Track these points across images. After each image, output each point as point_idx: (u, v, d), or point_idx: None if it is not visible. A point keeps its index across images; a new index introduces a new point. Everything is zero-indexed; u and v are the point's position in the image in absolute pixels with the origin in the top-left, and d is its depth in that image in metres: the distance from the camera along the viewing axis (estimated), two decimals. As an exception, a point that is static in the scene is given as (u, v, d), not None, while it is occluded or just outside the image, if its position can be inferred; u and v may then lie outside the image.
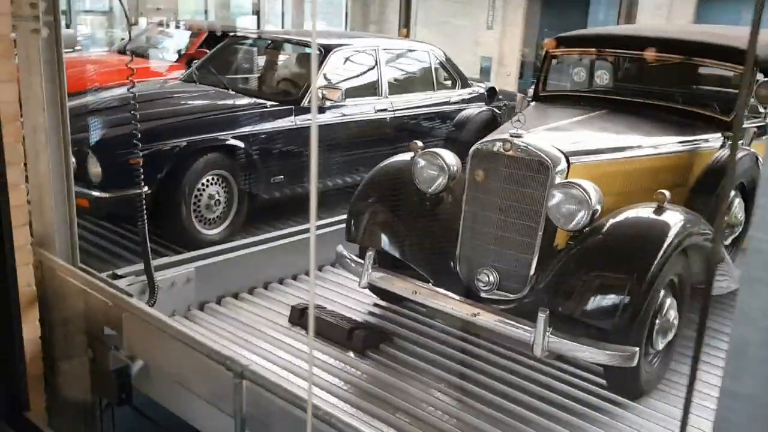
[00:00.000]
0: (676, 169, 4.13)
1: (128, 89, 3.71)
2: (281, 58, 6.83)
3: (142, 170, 3.84)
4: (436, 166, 3.95)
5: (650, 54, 4.71)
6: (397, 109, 6.49)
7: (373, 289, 4.35)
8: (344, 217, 5.35)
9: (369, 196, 4.18)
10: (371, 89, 6.38)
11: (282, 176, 5.57)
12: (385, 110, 6.37)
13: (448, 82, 7.27)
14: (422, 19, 23.96)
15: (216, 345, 2.87)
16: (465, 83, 7.38)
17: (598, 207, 3.40)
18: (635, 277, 3.20)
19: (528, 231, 3.57)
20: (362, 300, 4.54)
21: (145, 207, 3.90)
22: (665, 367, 3.68)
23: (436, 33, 23.04)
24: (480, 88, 7.67)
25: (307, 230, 5.04)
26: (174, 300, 4.11)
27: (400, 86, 6.69)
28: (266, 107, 5.53)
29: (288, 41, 6.82)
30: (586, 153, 3.74)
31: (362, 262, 4.01)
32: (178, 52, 9.74)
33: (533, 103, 5.12)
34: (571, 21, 21.48)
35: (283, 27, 21.07)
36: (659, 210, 3.42)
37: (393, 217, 4.04)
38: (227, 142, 5.13)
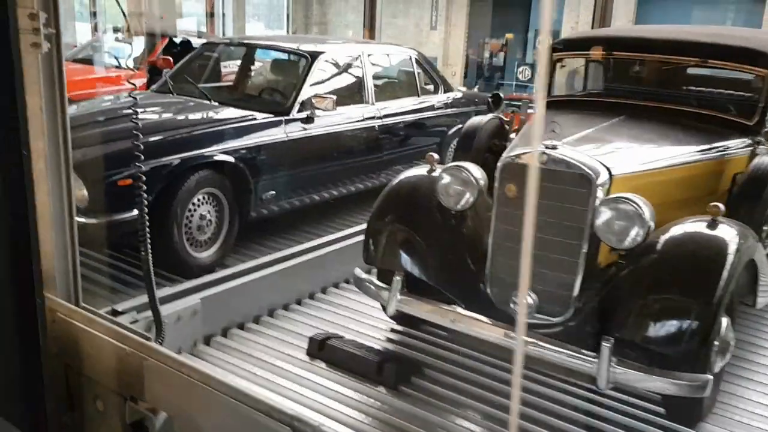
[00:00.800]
0: (707, 177, 3.96)
1: (131, 107, 3.34)
2: (263, 66, 6.46)
3: (139, 191, 3.46)
4: (462, 180, 3.68)
5: (666, 57, 4.54)
6: (385, 116, 6.21)
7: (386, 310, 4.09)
8: (347, 232, 5.11)
9: (386, 215, 3.89)
10: (358, 96, 6.09)
11: (273, 192, 5.24)
12: (372, 118, 6.09)
13: (430, 87, 7.03)
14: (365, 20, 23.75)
15: (273, 399, 2.53)
16: (447, 87, 7.15)
17: (652, 223, 3.18)
18: (702, 299, 2.98)
19: (570, 249, 3.33)
20: (378, 325, 4.25)
21: (148, 233, 3.51)
22: (717, 389, 3.49)
23: (379, 34, 22.84)
24: (459, 93, 7.44)
25: (307, 251, 4.72)
26: (180, 336, 3.75)
27: (385, 92, 6.42)
28: (256, 119, 5.18)
29: (269, 48, 6.46)
30: (625, 164, 3.52)
31: (384, 286, 3.73)
32: (135, 59, 9.26)
33: (539, 110, 4.88)
34: (514, 21, 21.64)
35: (223, 30, 20.54)
36: (714, 224, 3.22)
37: (414, 236, 3.76)
38: (219, 158, 4.77)
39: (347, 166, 5.91)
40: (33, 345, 2.25)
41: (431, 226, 3.76)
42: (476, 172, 3.69)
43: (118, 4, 3.19)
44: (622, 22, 18.93)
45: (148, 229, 3.50)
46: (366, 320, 4.32)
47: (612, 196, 3.25)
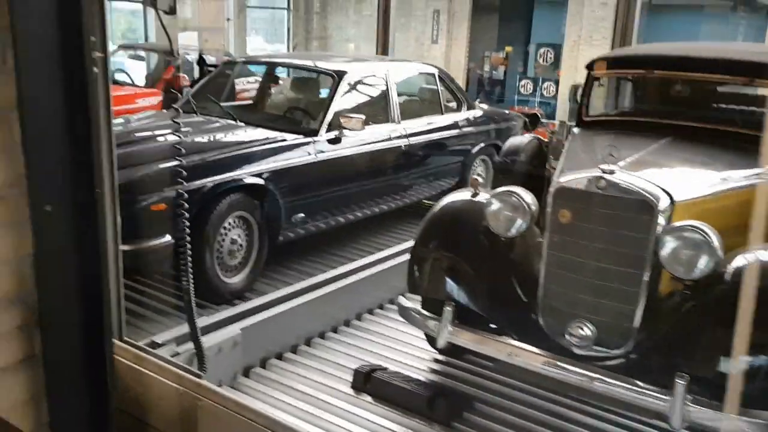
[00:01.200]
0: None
1: (174, 131, 3.20)
2: (285, 84, 6.33)
3: (181, 218, 3.31)
4: (512, 206, 3.54)
5: (711, 76, 4.42)
6: (411, 135, 6.08)
7: (431, 340, 3.95)
8: (378, 256, 4.98)
9: (431, 242, 3.76)
10: (383, 115, 5.96)
11: (302, 214, 5.09)
12: (399, 137, 5.96)
13: (453, 104, 6.90)
14: (364, 34, 23.81)
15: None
16: (470, 105, 7.03)
17: (721, 252, 3.05)
18: (781, 333, 2.85)
19: (630, 278, 3.19)
20: (418, 355, 4.10)
21: (189, 260, 3.38)
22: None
23: (392, 50, 22.77)
24: (479, 110, 7.31)
25: (342, 276, 4.58)
26: (221, 368, 3.61)
27: (409, 111, 6.29)
28: (285, 140, 5.04)
29: (294, 67, 6.33)
30: (685, 189, 3.39)
31: (431, 315, 3.59)
32: (147, 77, 9.12)
33: (576, 130, 4.75)
34: (516, 35, 21.66)
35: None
36: (784, 253, 3.09)
37: (461, 263, 3.62)
38: (250, 181, 4.63)
39: (374, 187, 5.78)
40: (98, 390, 2.08)
41: (479, 253, 3.63)
42: (527, 197, 3.56)
43: (162, 24, 3.05)
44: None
45: (189, 257, 3.37)
46: (405, 349, 4.18)
47: (676, 224, 3.12)
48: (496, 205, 3.54)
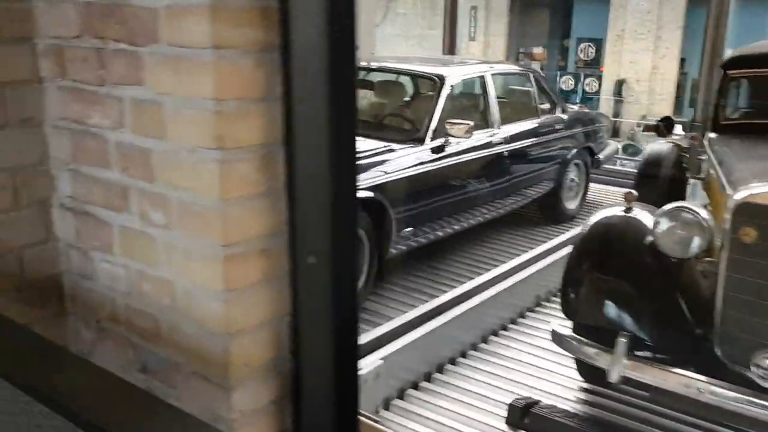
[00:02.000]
0: None
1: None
2: (379, 89, 5.99)
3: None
4: (686, 223, 3.20)
5: None
6: (512, 140, 5.75)
7: (584, 369, 3.65)
8: (498, 272, 4.67)
9: (585, 263, 3.43)
10: (484, 120, 5.63)
11: (411, 227, 4.79)
12: (501, 143, 5.63)
13: (546, 106, 6.54)
14: (403, 32, 23.46)
15: None
16: (563, 107, 6.67)
17: None
18: None
19: (830, 305, 2.87)
20: (561, 383, 3.79)
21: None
22: None
23: (416, 46, 22.50)
24: (567, 113, 6.95)
25: (466, 296, 4.27)
26: (365, 401, 3.29)
27: (507, 114, 5.95)
28: (393, 150, 4.74)
29: (391, 71, 5.99)
30: None
31: (591, 343, 3.28)
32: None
33: (713, 135, 4.38)
34: (555, 29, 21.31)
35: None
36: None
37: (623, 287, 3.29)
38: (362, 195, 4.33)
39: (477, 195, 5.45)
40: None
41: (643, 276, 3.30)
42: (703, 212, 3.22)
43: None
44: (671, 29, 18.51)
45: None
46: (545, 376, 3.88)
47: None
48: (666, 223, 3.21)
